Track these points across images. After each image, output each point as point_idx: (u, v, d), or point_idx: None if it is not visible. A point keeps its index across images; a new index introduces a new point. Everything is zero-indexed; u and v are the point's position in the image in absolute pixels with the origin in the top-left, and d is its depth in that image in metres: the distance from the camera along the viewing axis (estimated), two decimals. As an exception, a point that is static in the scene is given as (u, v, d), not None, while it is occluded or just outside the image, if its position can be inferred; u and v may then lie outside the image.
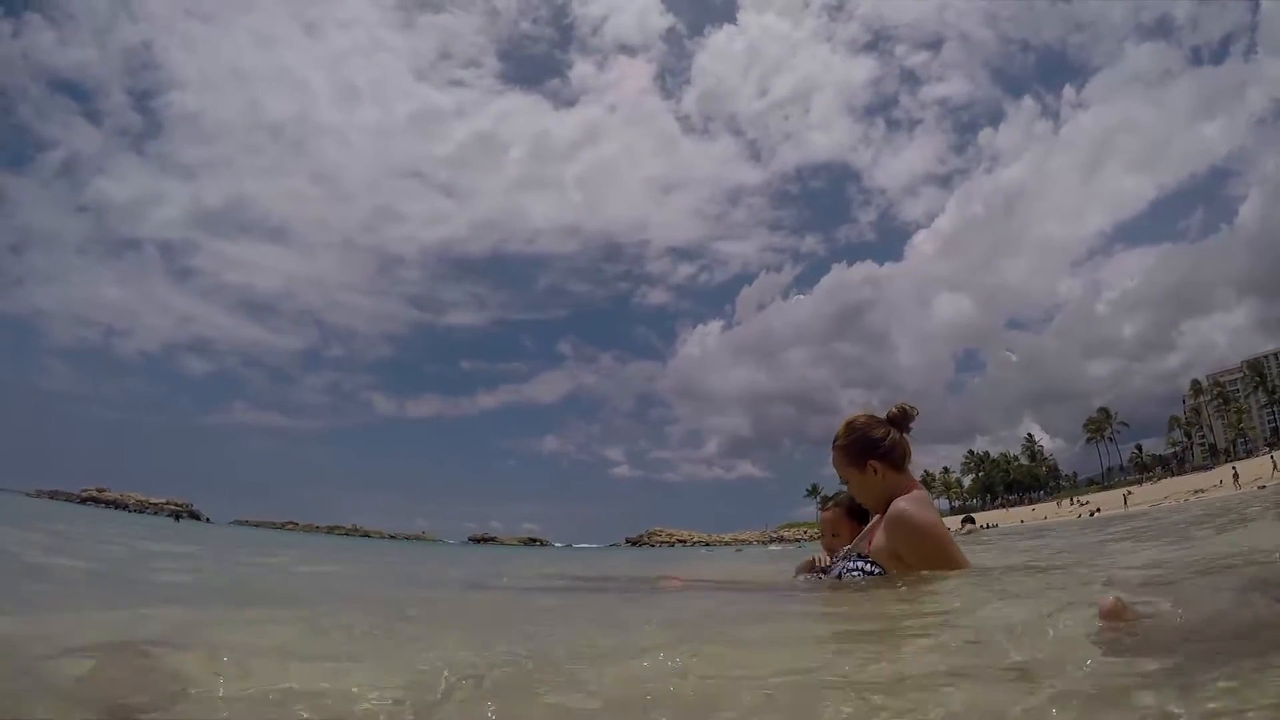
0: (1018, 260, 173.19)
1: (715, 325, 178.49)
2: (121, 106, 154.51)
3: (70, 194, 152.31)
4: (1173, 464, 76.96)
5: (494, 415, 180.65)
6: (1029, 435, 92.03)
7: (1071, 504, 49.36)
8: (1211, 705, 0.69)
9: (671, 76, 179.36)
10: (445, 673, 0.95)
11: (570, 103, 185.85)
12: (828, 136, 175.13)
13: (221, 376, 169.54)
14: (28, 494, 62.02)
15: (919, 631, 1.26)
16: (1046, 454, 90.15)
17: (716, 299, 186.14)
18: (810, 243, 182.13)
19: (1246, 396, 78.15)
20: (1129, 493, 43.67)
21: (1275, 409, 74.14)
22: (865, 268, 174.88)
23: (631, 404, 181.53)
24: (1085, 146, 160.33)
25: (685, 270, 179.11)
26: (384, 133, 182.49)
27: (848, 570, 2.11)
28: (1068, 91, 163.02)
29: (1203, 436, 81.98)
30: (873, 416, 2.23)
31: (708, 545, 76.76)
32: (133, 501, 75.85)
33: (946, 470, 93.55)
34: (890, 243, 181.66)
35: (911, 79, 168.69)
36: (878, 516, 2.15)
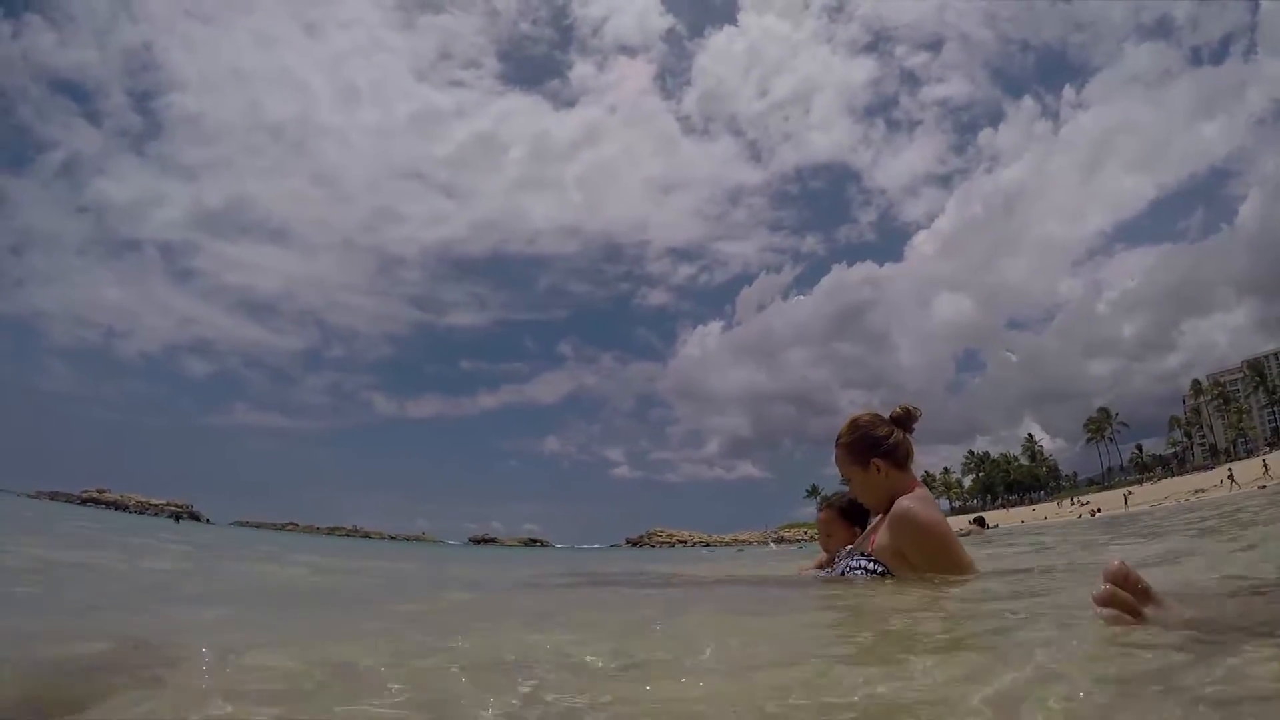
0: (1018, 260, 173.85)
1: (715, 326, 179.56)
2: (122, 107, 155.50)
3: (70, 195, 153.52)
4: (1173, 464, 76.95)
5: (494, 416, 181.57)
6: (1029, 435, 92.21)
7: (1072, 504, 49.33)
8: (1213, 694, 0.69)
9: (672, 77, 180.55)
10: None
11: (570, 103, 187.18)
12: (828, 137, 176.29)
13: (222, 377, 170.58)
14: (28, 495, 61.99)
15: (929, 636, 1.25)
16: (1047, 454, 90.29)
17: (717, 299, 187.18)
18: (810, 243, 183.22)
19: (1247, 396, 78.13)
20: (1129, 493, 43.63)
21: (1275, 409, 74.13)
22: (865, 268, 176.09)
23: (632, 404, 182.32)
24: (1085, 146, 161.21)
25: (685, 271, 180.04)
26: (384, 133, 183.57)
27: (850, 569, 2.10)
28: (1068, 92, 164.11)
29: (1203, 437, 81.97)
30: (877, 415, 2.22)
31: (708, 546, 76.69)
32: (133, 502, 75.83)
33: (947, 470, 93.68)
34: (890, 243, 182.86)
35: (911, 80, 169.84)
36: (880, 516, 2.14)
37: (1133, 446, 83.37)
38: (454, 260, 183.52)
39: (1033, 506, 61.87)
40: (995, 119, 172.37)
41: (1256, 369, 77.28)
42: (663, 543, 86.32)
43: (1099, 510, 30.40)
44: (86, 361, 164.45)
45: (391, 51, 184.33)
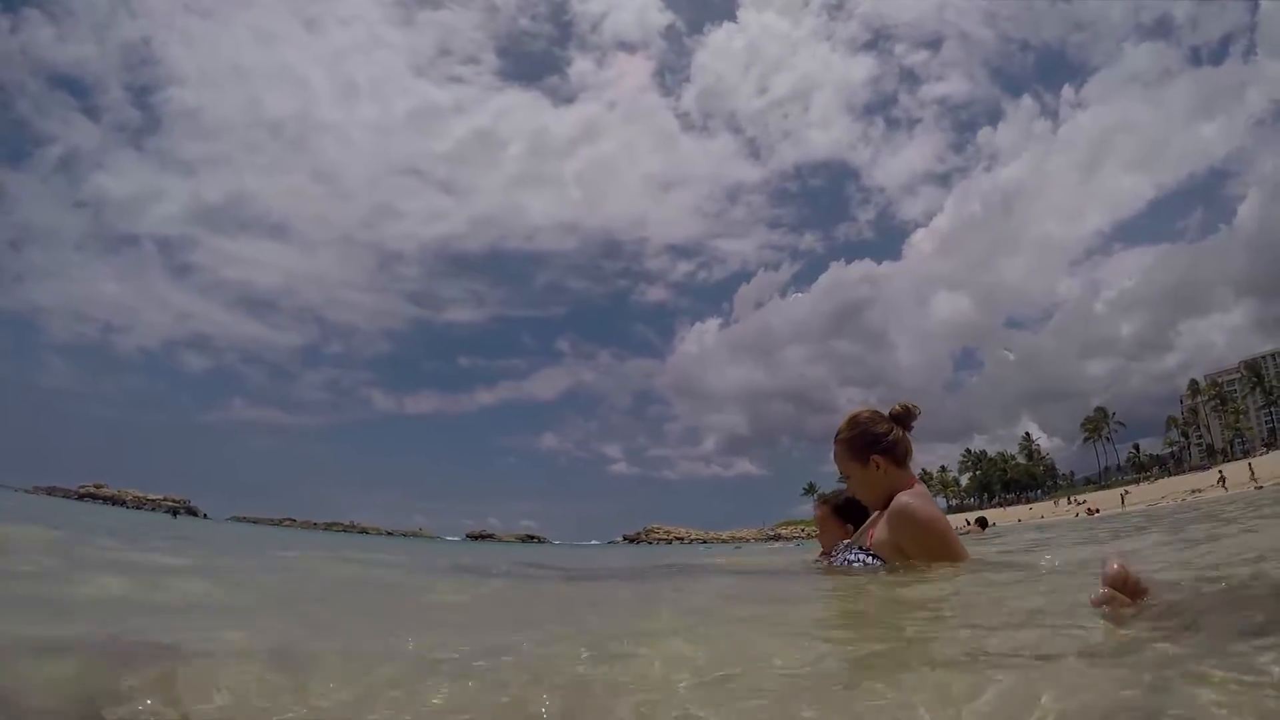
0: (1016, 259, 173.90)
1: (713, 323, 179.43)
2: (120, 102, 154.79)
3: (69, 189, 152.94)
4: (1170, 464, 77.11)
5: (492, 412, 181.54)
6: (1026, 434, 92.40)
7: (1069, 503, 49.43)
8: (1213, 693, 0.70)
9: (671, 74, 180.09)
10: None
11: (569, 99, 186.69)
12: (827, 135, 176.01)
13: (220, 373, 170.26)
14: (26, 490, 61.90)
15: (915, 616, 1.27)
16: (1044, 453, 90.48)
17: (715, 296, 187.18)
18: (809, 241, 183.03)
19: (1244, 397, 78.29)
20: (1126, 492, 43.75)
21: (1272, 409, 74.30)
22: (864, 266, 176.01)
23: (630, 401, 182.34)
24: (1084, 146, 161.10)
25: (684, 268, 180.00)
26: (383, 129, 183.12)
27: (847, 561, 2.12)
28: (1067, 91, 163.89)
29: (1200, 437, 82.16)
30: (876, 412, 2.23)
31: (705, 543, 76.81)
32: (130, 498, 75.83)
33: (944, 469, 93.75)
34: (889, 241, 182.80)
35: (911, 78, 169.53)
36: (878, 512, 2.15)
37: (1130, 446, 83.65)
38: (452, 256, 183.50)
39: (1029, 505, 61.97)
40: (994, 118, 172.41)
41: (1254, 369, 77.42)
42: (660, 540, 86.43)
43: (1096, 510, 30.45)
44: (84, 357, 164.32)
45: (391, 47, 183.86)
